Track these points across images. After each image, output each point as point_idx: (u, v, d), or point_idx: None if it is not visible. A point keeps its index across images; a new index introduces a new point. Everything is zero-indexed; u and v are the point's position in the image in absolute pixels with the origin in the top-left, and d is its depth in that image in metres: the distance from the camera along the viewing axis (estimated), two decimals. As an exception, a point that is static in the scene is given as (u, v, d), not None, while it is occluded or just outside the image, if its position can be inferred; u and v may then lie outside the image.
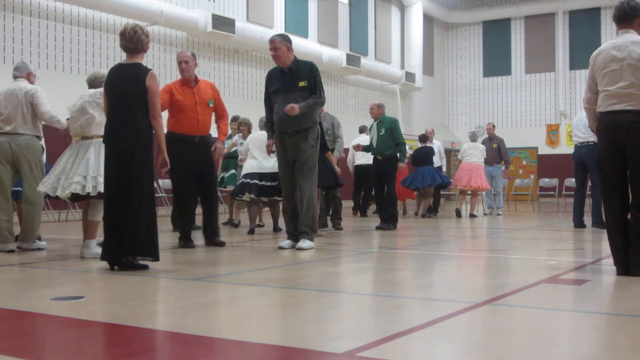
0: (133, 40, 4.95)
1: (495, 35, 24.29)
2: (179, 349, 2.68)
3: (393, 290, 4.20)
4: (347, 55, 18.61)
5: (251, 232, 8.31)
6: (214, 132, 6.77)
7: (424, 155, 12.51)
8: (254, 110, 11.46)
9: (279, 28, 17.12)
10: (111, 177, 4.92)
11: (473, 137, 12.96)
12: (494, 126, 13.64)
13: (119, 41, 5.10)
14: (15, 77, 6.48)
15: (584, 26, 22.51)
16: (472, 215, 12.38)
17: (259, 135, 8.24)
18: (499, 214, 13.08)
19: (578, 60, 22.28)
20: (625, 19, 4.61)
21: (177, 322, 3.21)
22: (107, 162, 4.96)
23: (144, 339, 2.89)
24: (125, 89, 4.88)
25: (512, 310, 3.54)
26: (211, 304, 3.77)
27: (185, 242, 6.50)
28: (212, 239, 6.62)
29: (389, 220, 9.10)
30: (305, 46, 17.51)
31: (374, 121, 9.41)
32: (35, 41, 12.10)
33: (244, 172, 8.29)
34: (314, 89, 6.38)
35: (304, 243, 6.25)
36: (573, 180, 11.09)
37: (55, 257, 5.95)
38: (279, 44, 6.34)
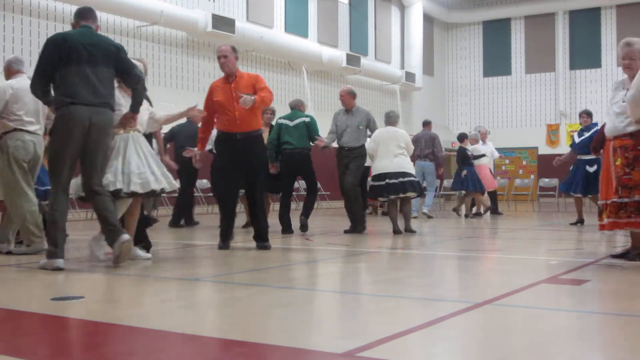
0: None
1: (495, 35, 24.28)
2: (180, 349, 2.68)
3: (393, 290, 4.20)
4: (347, 55, 18.60)
5: (397, 232, 8.13)
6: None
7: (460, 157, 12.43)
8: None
9: (279, 28, 17.13)
10: None
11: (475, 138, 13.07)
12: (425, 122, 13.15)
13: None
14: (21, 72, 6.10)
15: (584, 26, 22.47)
16: (466, 215, 12.39)
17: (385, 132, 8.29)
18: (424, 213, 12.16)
19: (578, 60, 22.22)
20: None
21: (177, 322, 3.20)
22: None
23: (144, 339, 2.89)
24: None
25: (512, 310, 3.54)
26: (211, 304, 3.77)
27: (224, 243, 6.34)
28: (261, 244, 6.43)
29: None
30: (305, 46, 17.52)
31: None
32: (35, 41, 12.09)
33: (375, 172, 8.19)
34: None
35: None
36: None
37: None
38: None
